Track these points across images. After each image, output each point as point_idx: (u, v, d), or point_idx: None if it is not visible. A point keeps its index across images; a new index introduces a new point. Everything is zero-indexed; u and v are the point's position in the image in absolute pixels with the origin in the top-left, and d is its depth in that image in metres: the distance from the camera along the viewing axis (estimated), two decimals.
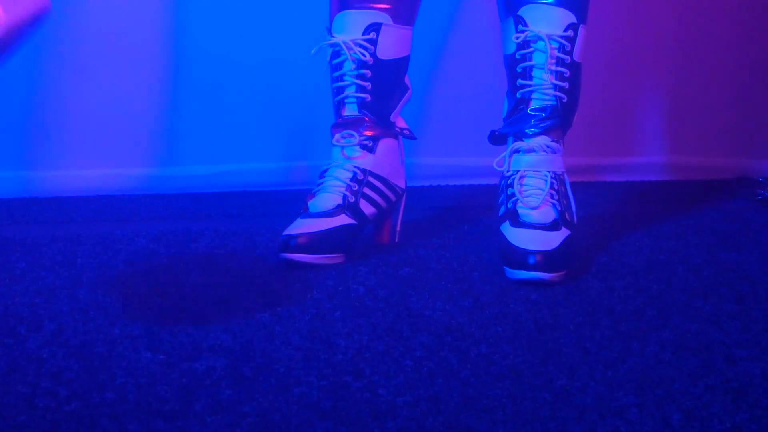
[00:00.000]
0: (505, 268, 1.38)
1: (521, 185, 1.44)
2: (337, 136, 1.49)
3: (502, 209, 1.46)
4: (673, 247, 1.55)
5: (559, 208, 1.43)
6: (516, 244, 1.38)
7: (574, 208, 1.47)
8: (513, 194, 1.44)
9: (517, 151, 1.46)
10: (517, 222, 1.41)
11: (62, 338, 1.12)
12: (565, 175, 1.47)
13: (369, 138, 1.50)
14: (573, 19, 1.44)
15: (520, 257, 1.36)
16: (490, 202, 1.56)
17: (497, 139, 1.51)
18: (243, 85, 1.88)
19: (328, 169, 1.50)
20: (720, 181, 2.03)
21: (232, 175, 1.89)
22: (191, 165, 1.88)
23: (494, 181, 1.53)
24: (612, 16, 1.95)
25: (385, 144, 1.51)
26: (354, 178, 1.48)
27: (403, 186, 1.55)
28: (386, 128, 1.51)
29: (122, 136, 1.85)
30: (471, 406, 0.97)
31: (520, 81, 1.46)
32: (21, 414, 0.93)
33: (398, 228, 1.56)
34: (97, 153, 1.84)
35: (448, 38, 1.94)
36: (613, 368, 1.07)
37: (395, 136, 1.53)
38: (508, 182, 1.46)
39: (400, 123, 1.54)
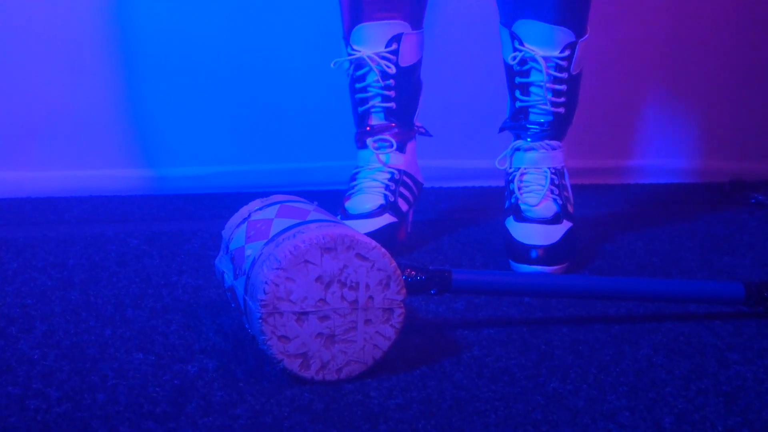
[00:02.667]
0: (509, 261, 1.42)
1: (521, 182, 1.47)
2: (370, 141, 1.52)
3: (507, 203, 1.49)
4: (666, 250, 1.56)
5: (561, 202, 1.46)
6: (519, 239, 1.42)
7: (572, 201, 1.48)
8: (514, 191, 1.47)
9: (517, 149, 1.48)
10: (520, 217, 1.44)
11: (54, 339, 1.12)
12: (565, 168, 1.49)
13: (400, 141, 1.53)
14: (571, 38, 1.43)
15: (522, 252, 1.41)
16: (497, 204, 1.57)
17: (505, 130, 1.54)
18: (238, 86, 1.88)
19: (359, 171, 1.53)
20: (714, 184, 2.03)
21: (225, 176, 1.88)
22: (184, 166, 1.88)
23: (501, 183, 1.54)
24: (606, 21, 1.95)
25: (411, 143, 1.56)
26: (392, 179, 1.52)
27: (421, 180, 1.59)
28: (411, 131, 1.55)
29: (115, 136, 1.85)
30: (463, 409, 0.97)
31: (518, 93, 1.47)
32: (12, 415, 0.93)
33: (410, 218, 1.57)
34: (90, 154, 1.84)
35: (454, 41, 1.94)
36: (605, 371, 1.07)
37: (415, 136, 1.57)
38: (510, 179, 1.49)
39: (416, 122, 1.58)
